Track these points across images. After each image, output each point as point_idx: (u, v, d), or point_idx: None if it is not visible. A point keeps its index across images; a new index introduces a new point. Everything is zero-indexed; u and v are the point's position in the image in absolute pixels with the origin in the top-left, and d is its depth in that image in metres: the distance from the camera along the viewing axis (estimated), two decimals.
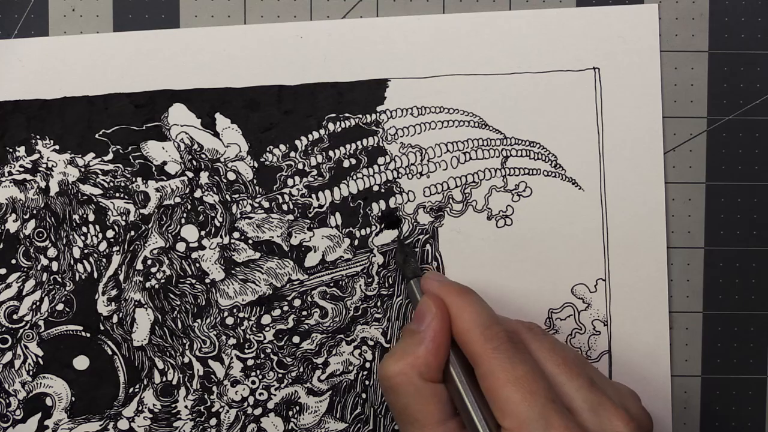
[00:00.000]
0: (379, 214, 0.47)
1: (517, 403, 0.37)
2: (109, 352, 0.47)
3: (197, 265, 0.47)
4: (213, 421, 0.47)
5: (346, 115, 0.47)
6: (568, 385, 0.39)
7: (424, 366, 0.40)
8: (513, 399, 0.37)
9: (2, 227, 0.46)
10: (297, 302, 0.47)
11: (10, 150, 0.46)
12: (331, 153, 0.47)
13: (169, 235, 0.47)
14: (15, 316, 0.46)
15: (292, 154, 0.47)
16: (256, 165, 0.47)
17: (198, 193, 0.47)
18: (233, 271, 0.47)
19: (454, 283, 0.43)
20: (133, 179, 0.46)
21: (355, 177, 0.47)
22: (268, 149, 0.47)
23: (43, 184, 0.46)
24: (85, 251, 0.47)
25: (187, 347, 0.47)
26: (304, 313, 0.47)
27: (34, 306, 0.46)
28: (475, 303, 0.41)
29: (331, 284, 0.47)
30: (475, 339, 0.39)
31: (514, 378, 0.38)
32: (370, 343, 0.47)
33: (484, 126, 0.47)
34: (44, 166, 0.46)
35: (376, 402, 0.47)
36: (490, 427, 0.38)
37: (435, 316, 0.41)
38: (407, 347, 0.41)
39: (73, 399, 0.47)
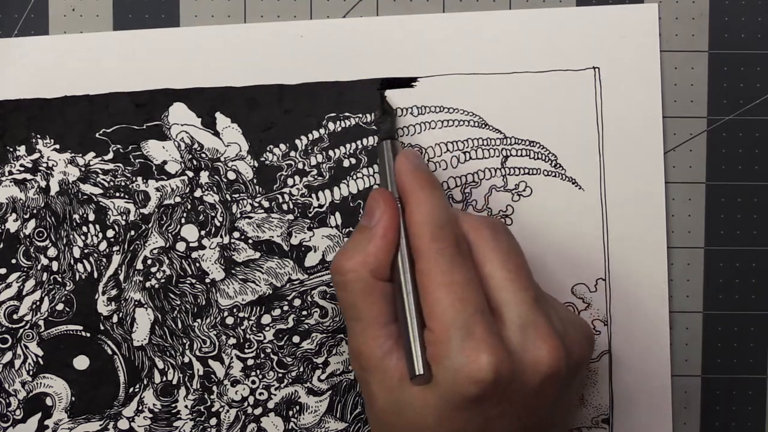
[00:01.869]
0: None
1: (444, 307, 0.37)
2: (109, 352, 0.47)
3: (197, 264, 0.47)
4: (213, 421, 0.47)
5: (346, 114, 0.47)
6: (510, 294, 0.39)
7: (374, 263, 0.40)
8: (442, 302, 0.37)
9: (2, 227, 0.46)
10: (297, 302, 0.47)
11: (11, 149, 0.46)
12: (331, 152, 0.47)
13: (169, 234, 0.47)
14: (15, 316, 0.46)
15: (292, 153, 0.47)
16: (256, 164, 0.47)
17: (198, 193, 0.47)
18: (233, 271, 0.47)
19: (425, 172, 0.42)
20: (134, 179, 0.46)
21: (355, 177, 0.47)
22: (268, 149, 0.47)
23: (43, 184, 0.46)
24: (85, 251, 0.47)
25: (187, 347, 0.47)
26: (304, 312, 0.47)
27: (34, 306, 0.46)
28: (434, 199, 0.40)
29: (331, 284, 0.47)
30: (422, 235, 0.39)
31: (449, 282, 0.38)
32: None
33: (484, 126, 0.47)
34: (44, 165, 0.46)
35: None
36: (419, 322, 0.38)
37: (384, 212, 0.40)
38: (358, 244, 0.40)
39: (73, 399, 0.47)
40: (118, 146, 0.46)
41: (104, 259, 0.47)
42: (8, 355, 0.46)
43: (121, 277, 0.47)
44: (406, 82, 0.47)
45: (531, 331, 0.38)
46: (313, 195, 0.47)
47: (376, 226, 0.40)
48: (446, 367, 0.37)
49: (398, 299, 0.40)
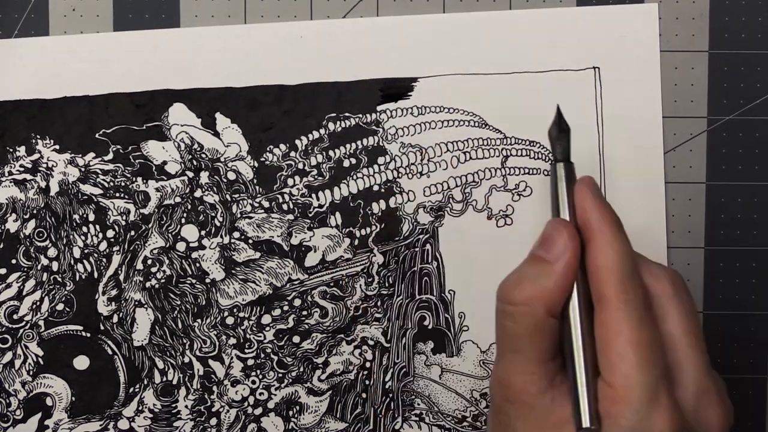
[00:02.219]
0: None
1: (632, 365, 0.35)
2: (110, 352, 0.47)
3: (197, 264, 0.47)
4: (213, 421, 0.47)
5: (346, 114, 0.47)
6: (688, 358, 0.37)
7: (550, 301, 0.37)
8: (629, 360, 0.35)
9: (2, 227, 0.46)
10: (297, 302, 0.47)
11: (11, 150, 0.46)
12: (331, 153, 0.47)
13: (170, 234, 0.47)
14: (15, 316, 0.47)
15: (292, 153, 0.47)
16: (256, 165, 0.47)
17: (198, 193, 0.47)
18: (233, 271, 0.47)
19: (610, 210, 0.39)
20: (134, 179, 0.46)
21: (355, 177, 0.47)
22: (268, 149, 0.47)
23: (43, 184, 0.46)
24: (86, 251, 0.47)
25: (187, 347, 0.47)
26: (304, 312, 0.47)
27: (34, 306, 0.46)
28: (623, 243, 0.38)
29: (331, 284, 0.47)
30: (610, 281, 0.37)
31: (638, 339, 0.36)
32: (371, 342, 0.47)
33: (484, 126, 0.47)
34: (44, 165, 0.46)
35: (376, 401, 0.47)
36: (590, 370, 0.37)
37: (569, 248, 0.38)
38: (535, 277, 0.38)
39: (74, 399, 0.47)
40: (118, 147, 0.46)
41: (104, 259, 0.47)
42: (8, 355, 0.47)
43: (121, 277, 0.47)
44: (404, 92, 0.47)
45: (705, 399, 0.37)
46: (313, 195, 0.47)
47: (559, 262, 0.38)
48: (623, 427, 0.35)
49: (567, 342, 0.38)
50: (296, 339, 0.47)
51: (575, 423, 0.36)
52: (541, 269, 0.38)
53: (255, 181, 0.47)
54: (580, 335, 0.37)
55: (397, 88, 0.47)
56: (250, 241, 0.47)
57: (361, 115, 0.47)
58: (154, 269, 0.47)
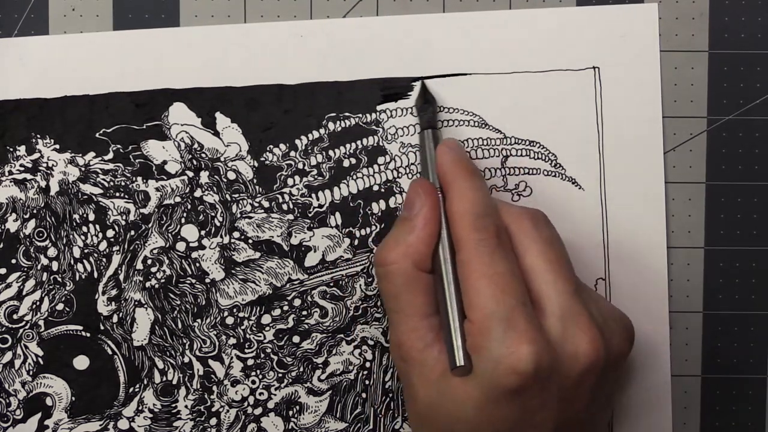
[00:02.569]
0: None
1: (486, 297, 0.37)
2: (109, 352, 0.47)
3: (197, 264, 0.47)
4: (213, 421, 0.47)
5: (346, 114, 0.47)
6: (550, 285, 0.39)
7: (415, 254, 0.40)
8: (483, 293, 0.37)
9: (2, 227, 0.46)
10: (297, 302, 0.47)
11: (11, 149, 0.46)
12: (331, 152, 0.47)
13: (169, 234, 0.47)
14: (15, 316, 0.46)
15: (292, 153, 0.47)
16: (256, 164, 0.47)
17: (198, 193, 0.47)
18: (233, 271, 0.47)
19: (466, 161, 0.42)
20: (134, 178, 0.46)
21: (355, 177, 0.47)
22: (268, 148, 0.47)
23: (43, 184, 0.46)
24: (85, 251, 0.47)
25: (187, 347, 0.47)
26: (304, 312, 0.47)
27: (34, 306, 0.46)
28: (476, 189, 0.40)
29: (331, 284, 0.47)
30: (464, 224, 0.39)
31: (490, 272, 0.38)
32: (371, 342, 0.47)
33: (484, 125, 0.47)
34: (44, 165, 0.46)
35: (376, 401, 0.47)
36: (460, 313, 0.39)
37: (424, 203, 0.41)
38: (399, 235, 0.41)
39: (73, 399, 0.47)
40: (118, 146, 0.46)
41: (104, 259, 0.47)
42: (8, 355, 0.46)
43: (121, 277, 0.47)
44: (403, 92, 0.47)
45: (571, 322, 0.38)
46: (313, 195, 0.47)
47: (417, 217, 0.41)
48: (486, 358, 0.37)
49: (439, 290, 0.40)
50: (296, 339, 0.47)
51: (450, 365, 0.38)
52: (405, 228, 0.41)
53: (255, 180, 0.47)
54: (447, 281, 0.39)
55: (397, 89, 0.47)
56: (250, 241, 0.47)
57: (361, 115, 0.47)
58: (154, 269, 0.47)
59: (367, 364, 0.47)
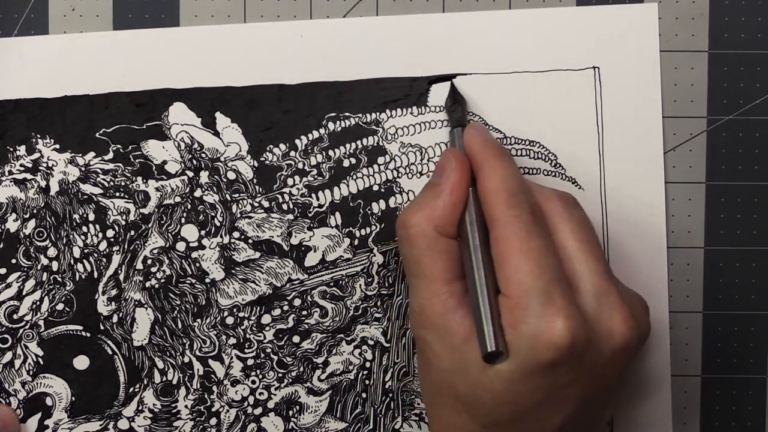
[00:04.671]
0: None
1: (524, 273, 0.37)
2: (109, 352, 0.47)
3: (197, 264, 0.47)
4: (213, 421, 0.47)
5: (346, 114, 0.47)
6: (583, 264, 0.39)
7: (439, 219, 0.40)
8: (521, 268, 0.37)
9: (2, 227, 0.46)
10: (297, 302, 0.47)
11: (11, 149, 0.46)
12: (331, 152, 0.47)
13: (169, 234, 0.47)
14: (15, 316, 0.46)
15: (292, 153, 0.47)
16: (256, 164, 0.47)
17: (198, 193, 0.47)
18: (233, 271, 0.47)
19: (495, 141, 0.42)
20: (134, 178, 0.46)
21: (355, 176, 0.47)
22: (268, 148, 0.47)
23: (43, 184, 0.46)
24: (85, 251, 0.47)
25: (187, 347, 0.47)
26: (304, 312, 0.47)
27: (34, 306, 0.46)
28: (509, 167, 0.40)
29: (331, 284, 0.47)
30: (498, 201, 0.39)
31: (527, 248, 0.38)
32: (371, 342, 0.47)
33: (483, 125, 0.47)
34: (44, 165, 0.46)
35: (376, 401, 0.47)
36: (490, 291, 0.38)
37: (454, 169, 0.41)
38: (425, 199, 0.41)
39: (73, 399, 0.47)
40: (118, 146, 0.47)
41: (104, 259, 0.47)
42: (8, 355, 0.46)
43: (121, 277, 0.47)
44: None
45: (605, 300, 0.38)
46: (313, 195, 0.47)
47: (445, 183, 0.40)
48: (523, 332, 0.37)
49: (468, 267, 0.39)
50: (296, 339, 0.47)
51: (480, 348, 0.38)
52: (432, 192, 0.41)
53: (255, 180, 0.47)
54: (478, 251, 0.39)
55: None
56: (250, 241, 0.47)
57: (361, 115, 0.47)
58: (154, 269, 0.47)
59: (367, 364, 0.47)
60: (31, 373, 0.47)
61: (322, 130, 0.47)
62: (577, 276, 0.39)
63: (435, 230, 0.40)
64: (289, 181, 0.47)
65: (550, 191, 0.41)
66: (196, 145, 0.47)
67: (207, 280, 0.47)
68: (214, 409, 0.47)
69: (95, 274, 0.47)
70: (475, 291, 0.39)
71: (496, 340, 0.37)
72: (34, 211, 0.46)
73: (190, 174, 0.47)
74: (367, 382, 0.47)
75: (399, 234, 0.41)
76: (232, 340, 0.47)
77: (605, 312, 0.38)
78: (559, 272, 0.38)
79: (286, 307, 0.47)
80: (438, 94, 0.47)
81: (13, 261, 0.46)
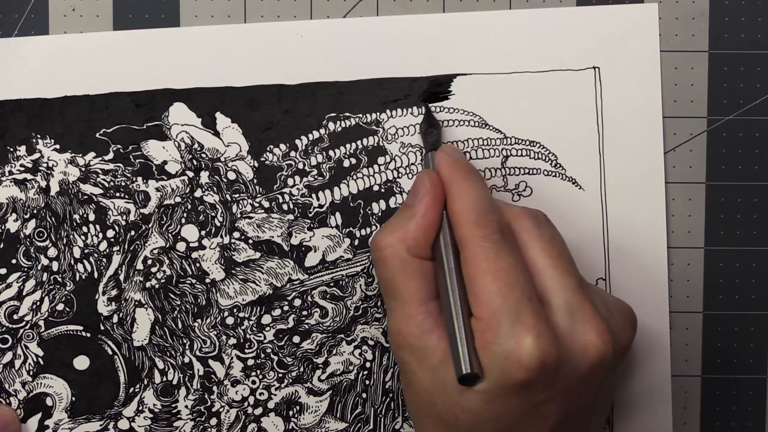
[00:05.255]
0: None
1: (492, 293, 0.37)
2: (110, 352, 0.47)
3: (197, 264, 0.47)
4: (213, 421, 0.47)
5: (346, 114, 0.47)
6: (554, 280, 0.39)
7: (412, 241, 0.40)
8: (489, 288, 0.37)
9: (2, 227, 0.46)
10: (297, 302, 0.47)
11: (11, 149, 0.46)
12: (331, 152, 0.47)
13: (170, 234, 0.47)
14: (15, 316, 0.46)
15: (293, 153, 0.47)
16: (256, 164, 0.47)
17: (198, 193, 0.47)
18: (233, 271, 0.47)
19: (464, 163, 0.42)
20: (134, 179, 0.46)
21: (355, 177, 0.47)
22: (268, 149, 0.47)
23: (43, 184, 0.46)
24: (86, 251, 0.47)
25: (187, 347, 0.47)
26: (305, 312, 0.47)
27: (34, 306, 0.46)
28: (476, 188, 0.40)
29: (332, 284, 0.47)
30: (466, 222, 0.39)
31: (495, 268, 0.38)
32: (371, 342, 0.47)
33: (484, 125, 0.47)
34: (45, 165, 0.46)
35: (376, 402, 0.47)
36: (464, 313, 0.38)
37: (428, 191, 0.41)
38: (399, 221, 0.41)
39: (74, 399, 0.47)
40: (118, 146, 0.47)
41: (104, 259, 0.47)
42: (8, 355, 0.46)
43: (122, 277, 0.47)
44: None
45: (578, 316, 0.38)
46: (313, 195, 0.47)
47: (419, 205, 0.41)
48: (495, 353, 0.37)
49: (442, 290, 0.40)
50: (296, 339, 0.47)
51: (455, 371, 0.38)
52: (405, 214, 0.41)
53: (255, 181, 0.47)
54: (452, 273, 0.39)
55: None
56: (250, 241, 0.47)
57: (361, 115, 0.47)
58: (154, 269, 0.47)
59: (368, 364, 0.47)
60: (31, 373, 0.47)
61: (322, 130, 0.47)
62: (549, 293, 0.39)
63: (408, 252, 0.40)
64: (290, 182, 0.47)
65: (519, 209, 0.41)
66: (196, 146, 0.47)
67: (207, 281, 0.47)
68: (214, 410, 0.47)
69: (95, 275, 0.47)
70: (450, 314, 0.39)
71: (471, 362, 0.37)
72: (35, 212, 0.46)
73: (191, 174, 0.47)
74: (367, 382, 0.47)
75: (373, 255, 0.41)
76: (233, 341, 0.47)
77: (578, 327, 0.38)
78: (529, 290, 0.38)
79: (286, 308, 0.47)
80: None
81: (14, 261, 0.46)
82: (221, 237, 0.47)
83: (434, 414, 0.39)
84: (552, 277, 0.39)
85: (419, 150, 0.47)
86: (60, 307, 0.47)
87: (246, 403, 0.47)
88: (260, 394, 0.47)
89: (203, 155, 0.47)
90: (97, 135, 0.46)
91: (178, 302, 0.47)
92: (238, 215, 0.47)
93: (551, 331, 0.37)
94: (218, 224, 0.47)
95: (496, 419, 0.38)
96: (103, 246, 0.47)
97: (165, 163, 0.47)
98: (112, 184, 0.46)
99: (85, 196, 0.46)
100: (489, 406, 0.38)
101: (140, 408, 0.47)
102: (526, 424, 0.38)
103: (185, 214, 0.47)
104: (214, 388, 0.47)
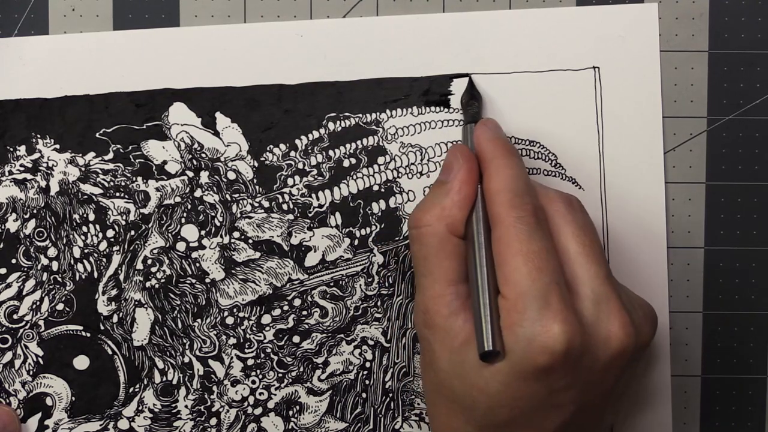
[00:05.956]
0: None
1: (522, 274, 0.37)
2: (109, 352, 0.47)
3: (197, 264, 0.47)
4: (213, 421, 0.47)
5: (346, 114, 0.47)
6: (584, 268, 0.39)
7: (449, 218, 0.40)
8: (520, 270, 0.37)
9: (2, 227, 0.46)
10: (297, 302, 0.47)
11: (11, 149, 0.46)
12: (331, 152, 0.47)
13: (170, 234, 0.47)
14: (15, 316, 0.47)
15: (292, 153, 0.47)
16: (256, 164, 0.47)
17: (198, 193, 0.47)
18: (233, 271, 0.47)
19: (505, 140, 0.42)
20: (134, 178, 0.47)
21: (355, 176, 0.47)
22: (268, 148, 0.47)
23: (43, 184, 0.46)
24: (86, 251, 0.47)
25: (187, 347, 0.47)
26: (304, 312, 0.47)
27: (34, 306, 0.46)
28: (515, 167, 0.40)
29: (331, 284, 0.47)
30: (501, 201, 0.39)
31: (527, 251, 0.38)
32: (371, 342, 0.47)
33: None
34: (45, 165, 0.46)
35: (376, 401, 0.47)
36: (491, 290, 0.38)
37: (461, 167, 0.41)
38: (435, 198, 0.41)
39: (73, 399, 0.47)
40: (118, 146, 0.47)
41: (104, 259, 0.47)
42: (8, 355, 0.47)
43: (121, 277, 0.47)
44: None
45: (604, 306, 0.38)
46: (313, 195, 0.47)
47: (453, 180, 0.40)
48: (519, 335, 0.37)
49: (471, 266, 0.40)
50: (296, 339, 0.47)
51: (478, 347, 0.38)
52: (441, 190, 0.41)
53: (255, 180, 0.47)
54: (483, 256, 0.39)
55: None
56: (250, 241, 0.47)
57: (361, 115, 0.47)
58: (154, 269, 0.47)
59: (367, 364, 0.47)
60: (31, 373, 0.47)
61: (322, 130, 0.47)
62: (578, 280, 0.39)
63: (446, 229, 0.40)
64: (289, 181, 0.47)
65: (554, 193, 0.41)
66: (196, 145, 0.47)
67: (207, 280, 0.47)
68: (214, 409, 0.47)
69: (95, 274, 0.47)
70: (477, 289, 0.39)
71: (494, 339, 0.37)
72: (34, 211, 0.46)
73: (190, 174, 0.47)
74: (367, 382, 0.47)
75: (410, 233, 0.41)
76: (232, 340, 0.47)
77: (603, 318, 0.38)
78: (558, 276, 0.38)
79: (286, 307, 0.47)
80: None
81: (13, 261, 0.46)
82: (221, 237, 0.47)
83: (451, 396, 0.39)
84: (581, 265, 0.39)
85: (419, 150, 0.47)
86: (60, 306, 0.47)
87: (246, 403, 0.47)
88: (260, 393, 0.47)
89: (203, 155, 0.47)
90: (97, 135, 0.46)
91: (178, 302, 0.47)
92: (238, 215, 0.47)
93: (577, 319, 0.37)
94: (218, 224, 0.47)
95: (512, 404, 0.38)
96: (103, 246, 0.47)
97: (165, 163, 0.47)
98: (111, 183, 0.46)
99: (85, 196, 0.46)
100: (507, 389, 0.37)
101: (140, 408, 0.47)
102: (542, 412, 0.38)
103: (185, 214, 0.47)
104: (214, 388, 0.47)
